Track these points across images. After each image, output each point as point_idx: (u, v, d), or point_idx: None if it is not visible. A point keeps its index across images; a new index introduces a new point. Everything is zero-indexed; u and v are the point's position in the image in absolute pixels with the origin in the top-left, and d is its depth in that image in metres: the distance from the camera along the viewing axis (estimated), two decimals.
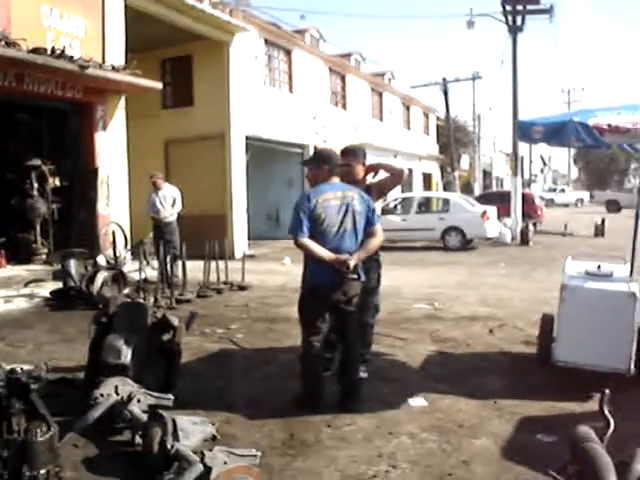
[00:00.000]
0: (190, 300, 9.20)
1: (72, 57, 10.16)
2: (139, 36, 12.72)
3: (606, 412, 2.87)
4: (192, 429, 3.81)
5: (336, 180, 4.62)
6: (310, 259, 4.47)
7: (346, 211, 4.44)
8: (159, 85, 12.51)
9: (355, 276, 4.45)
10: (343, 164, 5.04)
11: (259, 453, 3.59)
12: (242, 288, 10.38)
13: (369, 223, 4.57)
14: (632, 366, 4.86)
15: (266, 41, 18.69)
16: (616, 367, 4.89)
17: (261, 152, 18.80)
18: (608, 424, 2.86)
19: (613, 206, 36.57)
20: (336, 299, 4.44)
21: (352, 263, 4.35)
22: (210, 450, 3.38)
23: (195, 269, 10.13)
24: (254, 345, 6.63)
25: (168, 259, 10.09)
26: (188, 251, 9.59)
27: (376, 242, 4.62)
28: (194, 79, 16.88)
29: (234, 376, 5.52)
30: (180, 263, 9.92)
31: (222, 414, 4.40)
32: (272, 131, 18.49)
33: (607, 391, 2.96)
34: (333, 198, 4.45)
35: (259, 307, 8.83)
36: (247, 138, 17.13)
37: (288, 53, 20.00)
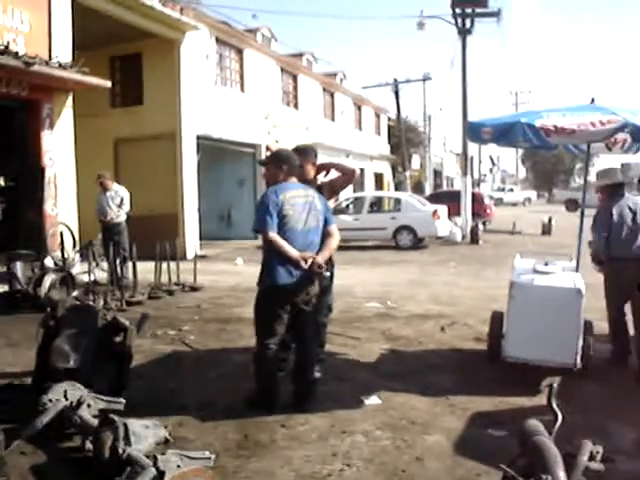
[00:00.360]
0: (141, 302, 9.06)
1: (17, 53, 9.87)
2: (87, 33, 12.47)
3: (554, 406, 2.94)
4: (144, 433, 3.74)
5: (294, 180, 4.65)
6: (275, 258, 4.41)
7: (310, 209, 4.50)
8: (107, 83, 12.26)
9: (328, 274, 4.58)
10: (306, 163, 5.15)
11: (213, 455, 3.56)
12: (194, 289, 10.28)
13: (327, 222, 4.62)
14: (579, 360, 5.00)
15: (217, 40, 18.54)
16: (564, 362, 5.02)
17: (212, 152, 18.66)
18: (556, 417, 2.92)
19: (572, 205, 37.29)
20: (299, 299, 4.45)
21: (321, 260, 4.42)
22: (163, 454, 3.33)
23: (146, 270, 9.99)
24: (207, 346, 6.57)
25: (118, 261, 9.92)
26: (139, 252, 9.45)
27: (336, 241, 4.67)
28: (144, 77, 16.59)
29: (187, 378, 5.45)
30: (130, 264, 9.77)
31: (175, 417, 4.36)
32: (224, 130, 18.35)
33: (555, 385, 3.02)
34: (298, 196, 4.51)
35: (211, 308, 8.75)
36: (198, 137, 16.96)
37: (240, 52, 19.88)
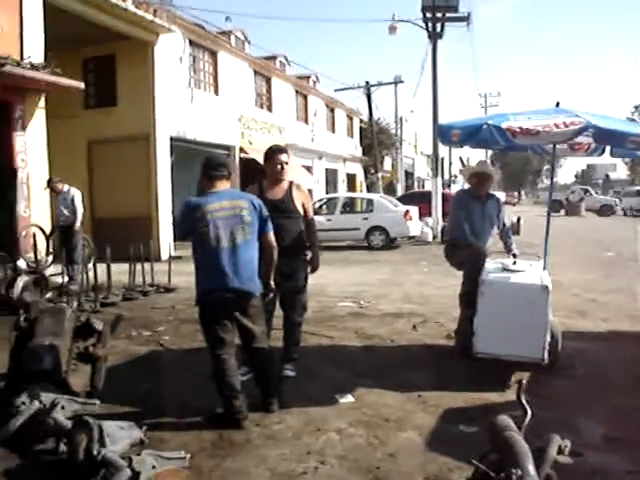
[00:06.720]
0: (115, 303, 9.01)
1: None
2: (60, 34, 12.36)
3: (523, 401, 2.99)
4: (119, 434, 3.75)
5: (222, 187, 4.36)
6: (201, 271, 4.28)
7: (236, 222, 4.22)
8: (81, 84, 12.14)
9: (271, 295, 4.68)
10: (277, 162, 5.12)
11: (188, 455, 3.58)
12: (168, 290, 10.24)
13: (262, 232, 4.40)
14: (546, 355, 5.10)
15: (191, 42, 18.46)
16: (532, 356, 5.12)
17: (186, 153, 18.56)
18: (525, 413, 2.98)
19: (556, 205, 37.38)
20: (237, 313, 4.28)
21: (271, 295, 4.61)
22: (138, 455, 3.36)
23: (120, 272, 9.94)
24: (181, 347, 6.57)
25: (79, 265, 9.90)
26: (113, 253, 9.39)
27: (275, 253, 4.51)
28: (118, 79, 16.50)
29: (161, 379, 5.46)
30: (79, 267, 9.78)
31: (150, 418, 4.34)
32: (197, 132, 18.30)
33: (524, 381, 3.09)
34: (221, 208, 4.21)
35: (186, 309, 8.69)
36: (172, 139, 16.89)
37: (213, 55, 19.82)
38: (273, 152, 5.22)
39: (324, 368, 5.68)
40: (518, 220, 21.80)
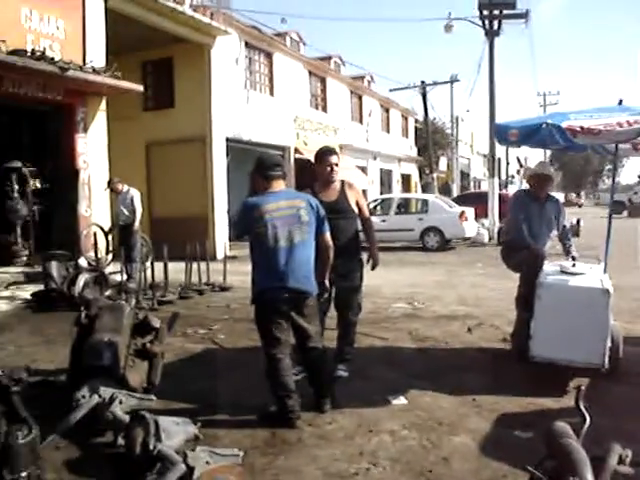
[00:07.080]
0: (172, 301, 9.20)
1: (52, 59, 10.11)
2: (120, 38, 12.72)
3: (582, 408, 2.92)
4: (175, 429, 3.81)
5: (279, 187, 4.37)
6: (258, 270, 4.31)
7: (294, 222, 4.23)
8: (140, 87, 12.47)
9: (326, 295, 4.76)
10: (327, 164, 5.10)
11: (241, 452, 3.61)
12: (224, 289, 10.38)
13: (319, 232, 4.41)
14: (607, 361, 4.95)
15: (247, 44, 18.70)
16: (591, 362, 4.97)
17: (242, 154, 18.79)
18: (584, 420, 2.91)
19: (618, 207, 35.98)
20: (292, 313, 4.29)
21: (326, 295, 4.70)
22: (192, 450, 3.41)
23: (177, 270, 10.12)
24: (236, 345, 6.64)
25: (137, 264, 10.11)
26: (170, 252, 9.57)
27: (331, 253, 4.52)
28: (175, 81, 16.87)
29: (216, 376, 5.52)
30: (137, 266, 9.99)
31: (204, 414, 4.40)
32: (253, 133, 18.50)
33: (583, 387, 3.02)
34: (279, 208, 4.23)
35: (241, 308, 8.78)
36: (228, 140, 17.12)
37: (269, 56, 20.01)
38: (323, 154, 5.21)
39: (377, 369, 5.65)
40: (578, 222, 21.30)
